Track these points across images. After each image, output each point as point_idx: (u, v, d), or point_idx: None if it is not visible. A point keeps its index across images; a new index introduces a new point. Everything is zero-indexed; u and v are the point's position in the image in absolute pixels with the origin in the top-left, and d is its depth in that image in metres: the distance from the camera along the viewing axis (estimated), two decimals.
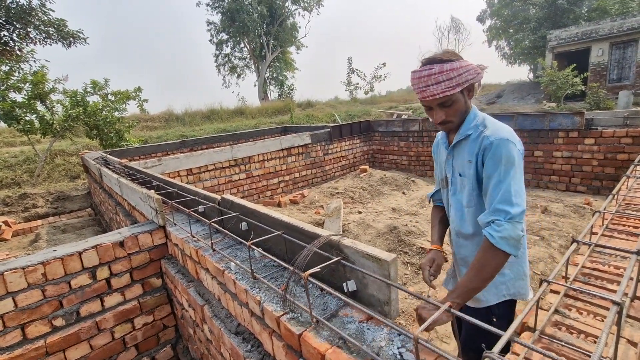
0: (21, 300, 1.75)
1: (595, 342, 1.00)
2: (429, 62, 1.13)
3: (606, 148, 4.61)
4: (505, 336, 0.71)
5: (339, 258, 1.13)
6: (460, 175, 1.26)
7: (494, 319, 1.29)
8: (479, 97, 19.14)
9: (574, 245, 1.24)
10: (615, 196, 1.99)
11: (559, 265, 1.13)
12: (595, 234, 1.65)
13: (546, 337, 1.04)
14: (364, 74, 21.80)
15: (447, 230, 1.47)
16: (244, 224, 1.72)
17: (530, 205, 4.47)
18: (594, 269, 1.39)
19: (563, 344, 1.00)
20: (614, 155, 4.56)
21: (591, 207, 4.31)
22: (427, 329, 0.82)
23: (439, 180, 1.44)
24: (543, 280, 1.02)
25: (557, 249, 3.33)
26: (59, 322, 1.86)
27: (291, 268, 1.15)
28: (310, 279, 1.04)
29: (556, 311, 1.16)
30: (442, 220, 1.47)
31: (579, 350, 0.96)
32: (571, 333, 1.06)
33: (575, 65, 12.43)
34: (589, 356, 0.93)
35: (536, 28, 18.47)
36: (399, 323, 2.49)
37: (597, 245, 1.41)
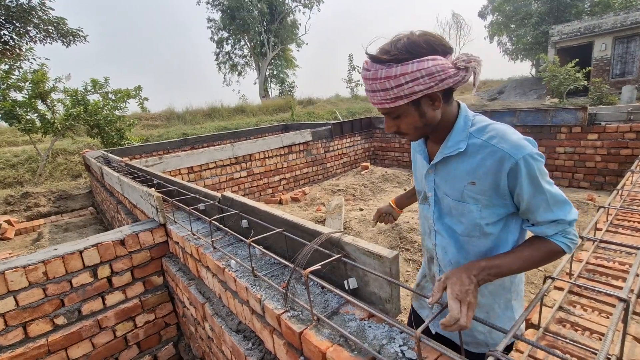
0: (22, 299, 1.74)
1: (600, 339, 0.99)
2: (376, 60, 0.83)
3: (609, 143, 4.57)
4: (509, 334, 0.70)
5: (339, 255, 1.12)
6: (450, 197, 0.98)
7: None
8: (480, 93, 19.06)
9: (578, 240, 1.22)
10: (620, 191, 1.97)
11: (563, 261, 1.11)
12: (600, 229, 1.63)
13: (550, 334, 1.03)
14: None
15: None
16: (244, 221, 1.71)
17: None
18: (599, 265, 1.38)
19: (567, 341, 0.99)
20: (618, 151, 4.53)
21: (594, 203, 4.28)
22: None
23: (417, 190, 1.18)
24: (547, 276, 1.01)
25: None
26: (60, 320, 1.86)
27: (292, 266, 1.14)
28: (311, 276, 1.03)
29: (560, 308, 1.15)
30: (414, 194, 1.40)
31: (584, 347, 0.95)
32: (576, 330, 1.05)
33: (577, 60, 12.34)
34: (594, 354, 0.91)
35: (538, 23, 18.35)
36: (401, 320, 2.48)
37: (601, 241, 1.39)
